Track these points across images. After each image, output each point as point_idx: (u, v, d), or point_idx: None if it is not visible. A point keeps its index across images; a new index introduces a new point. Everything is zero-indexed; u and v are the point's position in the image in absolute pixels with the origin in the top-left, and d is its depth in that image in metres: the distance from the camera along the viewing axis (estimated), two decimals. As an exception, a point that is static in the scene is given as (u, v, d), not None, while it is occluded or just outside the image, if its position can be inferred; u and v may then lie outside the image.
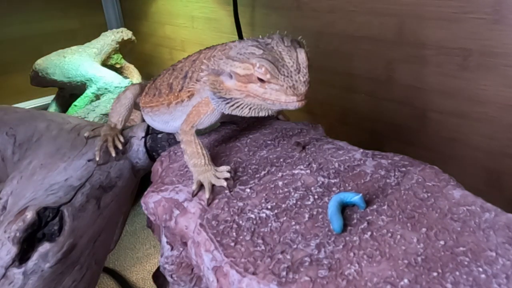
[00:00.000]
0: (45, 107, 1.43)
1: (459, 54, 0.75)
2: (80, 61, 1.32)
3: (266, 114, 0.56)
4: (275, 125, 0.69)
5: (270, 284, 0.38)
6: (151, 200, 0.56)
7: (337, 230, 0.43)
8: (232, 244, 0.44)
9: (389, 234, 0.43)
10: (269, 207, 0.48)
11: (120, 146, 0.76)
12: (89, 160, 0.74)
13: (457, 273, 0.38)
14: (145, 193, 0.57)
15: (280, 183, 0.53)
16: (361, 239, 0.43)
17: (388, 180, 0.51)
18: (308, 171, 0.55)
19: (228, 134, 0.68)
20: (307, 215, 0.47)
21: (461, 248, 0.40)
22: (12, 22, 1.56)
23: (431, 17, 0.77)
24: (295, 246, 0.42)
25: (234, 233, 0.45)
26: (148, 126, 0.79)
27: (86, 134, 0.79)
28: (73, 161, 0.74)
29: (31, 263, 0.60)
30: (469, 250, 0.40)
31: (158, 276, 0.70)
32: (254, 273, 0.40)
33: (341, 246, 0.42)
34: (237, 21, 1.14)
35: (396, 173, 0.52)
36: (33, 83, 1.38)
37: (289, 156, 0.59)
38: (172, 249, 0.55)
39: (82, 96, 1.28)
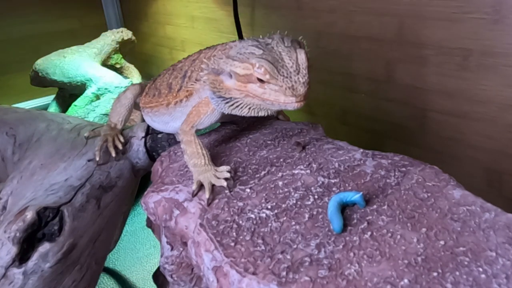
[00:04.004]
0: (45, 107, 1.43)
1: (459, 54, 0.75)
2: (80, 61, 1.32)
3: (266, 114, 0.56)
4: (275, 125, 0.69)
5: (270, 284, 0.38)
6: (151, 200, 0.56)
7: (337, 230, 0.43)
8: (232, 244, 0.44)
9: (389, 234, 0.43)
10: (269, 207, 0.48)
11: (120, 146, 0.76)
12: (89, 160, 0.74)
13: (457, 273, 0.38)
14: (145, 193, 0.57)
15: (280, 183, 0.53)
16: (361, 239, 0.43)
17: (388, 180, 0.51)
18: (308, 171, 0.55)
19: (228, 134, 0.68)
20: (307, 215, 0.47)
21: (461, 248, 0.40)
22: (12, 22, 1.56)
23: (431, 17, 0.77)
24: (295, 246, 0.42)
25: (234, 233, 0.45)
26: (148, 126, 0.79)
27: (86, 134, 0.79)
28: (73, 161, 0.74)
29: (31, 263, 0.60)
30: (469, 250, 0.40)
31: (158, 276, 0.70)
32: (254, 273, 0.40)
33: (341, 246, 0.42)
34: (237, 21, 1.14)
35: (396, 173, 0.52)
36: (33, 83, 1.38)
37: (289, 156, 0.59)
38: (172, 249, 0.55)
39: (82, 96, 1.28)
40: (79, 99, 1.28)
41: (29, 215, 0.61)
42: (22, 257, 0.60)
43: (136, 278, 1.06)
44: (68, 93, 1.38)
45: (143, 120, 0.81)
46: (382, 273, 0.38)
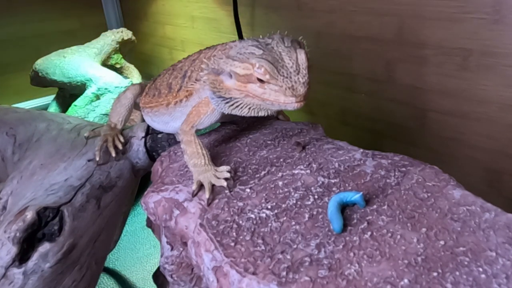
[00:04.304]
0: (45, 107, 1.43)
1: (459, 54, 0.75)
2: (80, 61, 1.32)
3: (266, 114, 0.56)
4: (275, 125, 0.69)
5: (270, 284, 0.38)
6: (151, 200, 0.56)
7: (337, 230, 0.43)
8: (232, 244, 0.44)
9: (389, 234, 0.43)
10: (269, 207, 0.48)
11: (120, 146, 0.76)
12: (89, 160, 0.74)
13: (457, 273, 0.38)
14: (145, 193, 0.57)
15: (280, 183, 0.53)
16: (361, 239, 0.43)
17: (388, 180, 0.51)
18: (308, 171, 0.55)
19: (228, 134, 0.68)
20: (307, 215, 0.47)
21: (461, 248, 0.40)
22: (12, 22, 1.56)
23: (431, 17, 0.77)
24: (295, 246, 0.42)
25: (234, 233, 0.45)
26: (148, 126, 0.79)
27: (86, 134, 0.79)
28: (73, 161, 0.74)
29: (31, 263, 0.60)
30: (469, 250, 0.40)
31: (158, 276, 0.70)
32: (254, 273, 0.40)
33: (341, 246, 0.42)
34: (237, 21, 1.14)
35: (396, 173, 0.52)
36: (33, 83, 1.38)
37: (289, 156, 0.59)
38: (172, 249, 0.55)
39: (82, 96, 1.28)
40: (79, 99, 1.28)
41: (29, 215, 0.61)
42: (22, 257, 0.60)
43: (136, 278, 1.06)
44: (68, 93, 1.38)
45: (143, 120, 0.81)
46: (382, 273, 0.38)
